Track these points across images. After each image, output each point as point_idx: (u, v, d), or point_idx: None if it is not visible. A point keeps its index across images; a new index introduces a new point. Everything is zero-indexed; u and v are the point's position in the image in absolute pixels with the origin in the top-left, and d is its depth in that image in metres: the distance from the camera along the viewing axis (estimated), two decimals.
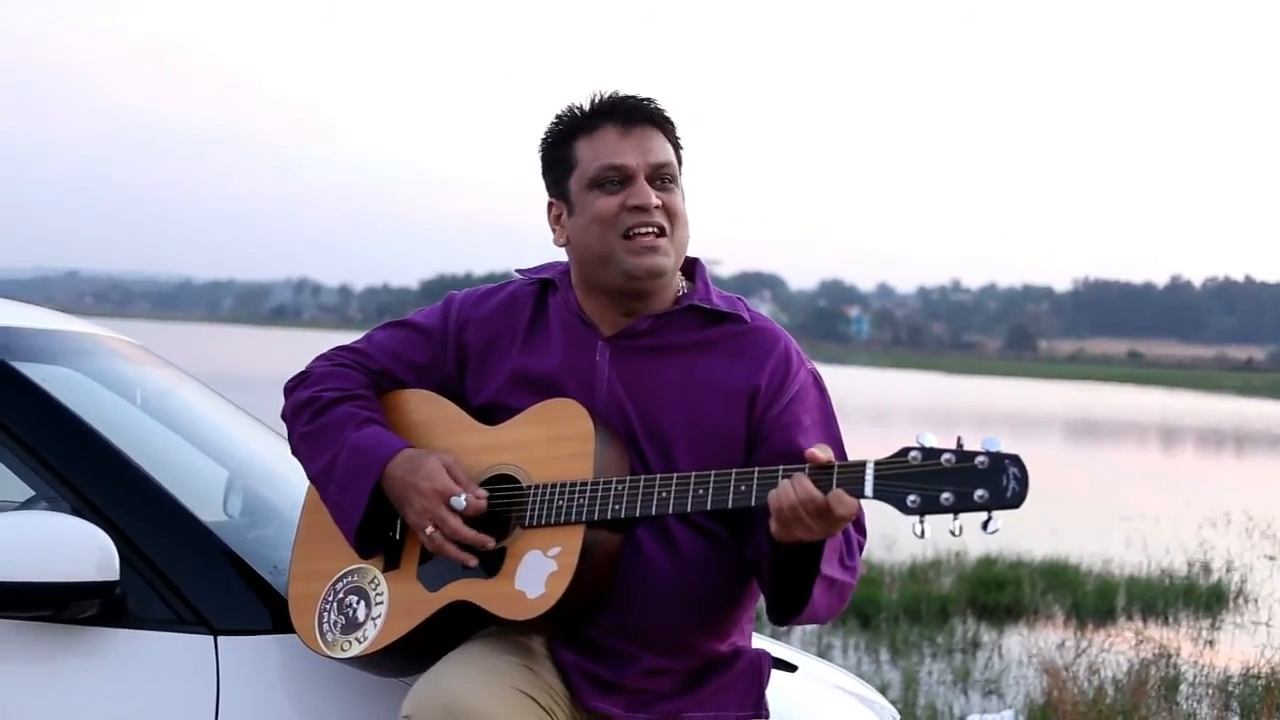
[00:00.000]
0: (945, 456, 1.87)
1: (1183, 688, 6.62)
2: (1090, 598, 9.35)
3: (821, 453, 1.96)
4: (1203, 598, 9.65)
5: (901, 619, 8.53)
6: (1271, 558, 12.12)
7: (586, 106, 2.26)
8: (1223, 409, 47.87)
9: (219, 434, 3.36)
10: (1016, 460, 1.85)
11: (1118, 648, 7.69)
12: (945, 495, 1.86)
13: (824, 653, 7.81)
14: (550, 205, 2.31)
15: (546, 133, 2.30)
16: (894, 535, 11.33)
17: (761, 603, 2.28)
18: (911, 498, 1.88)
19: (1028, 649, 7.84)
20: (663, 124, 2.26)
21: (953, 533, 1.87)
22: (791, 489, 1.94)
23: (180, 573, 2.28)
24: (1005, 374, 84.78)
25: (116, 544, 2.21)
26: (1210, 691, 6.52)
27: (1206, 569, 10.58)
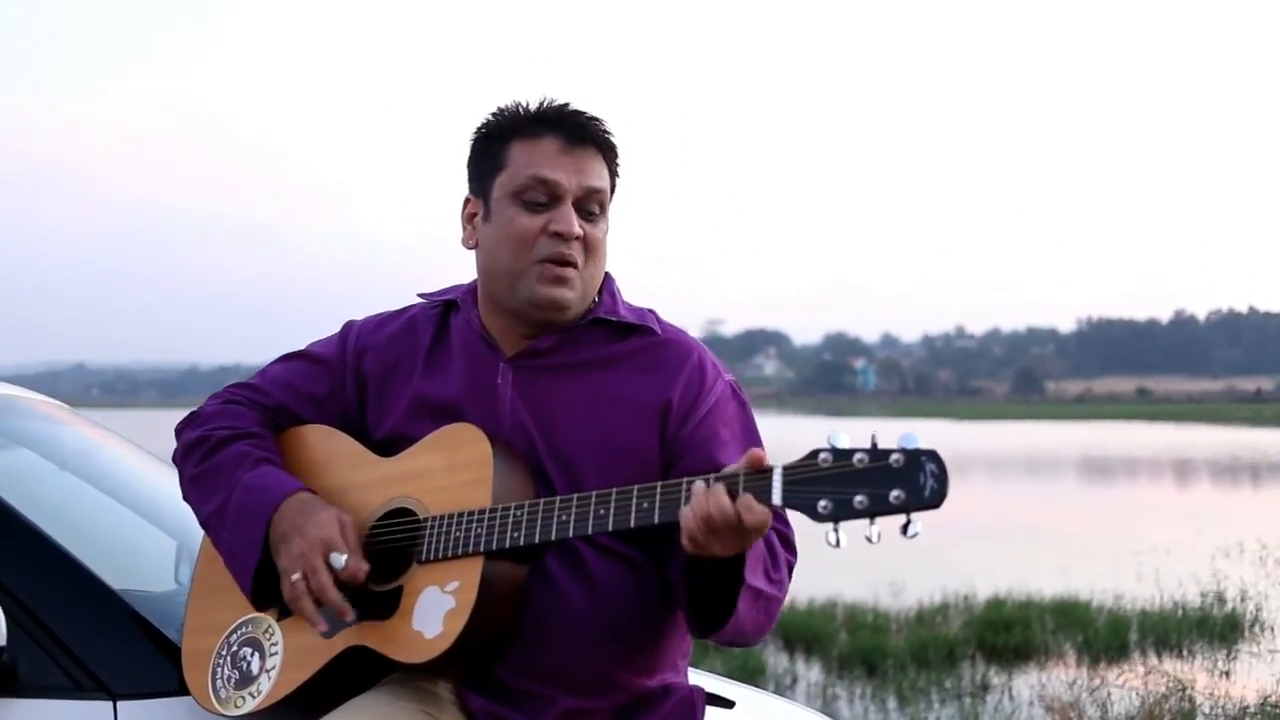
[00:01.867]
0: (858, 457, 1.71)
1: (1198, 719, 6.42)
2: (1102, 634, 9.13)
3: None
4: (1217, 628, 9.42)
5: (908, 665, 8.33)
6: None
7: (532, 109, 2.11)
8: (1234, 440, 47.55)
9: (165, 502, 3.23)
10: (934, 456, 1.68)
11: (1130, 683, 7.49)
12: (859, 498, 1.69)
13: (829, 704, 7.62)
14: (467, 201, 2.16)
15: (484, 124, 2.14)
16: (901, 582, 11.21)
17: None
18: (823, 503, 1.71)
19: (1037, 689, 7.63)
20: (607, 149, 2.11)
21: (869, 539, 1.70)
22: (706, 501, 1.78)
23: (77, 637, 2.12)
24: (1014, 417, 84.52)
25: (5, 607, 2.07)
26: None
27: (1220, 599, 10.35)
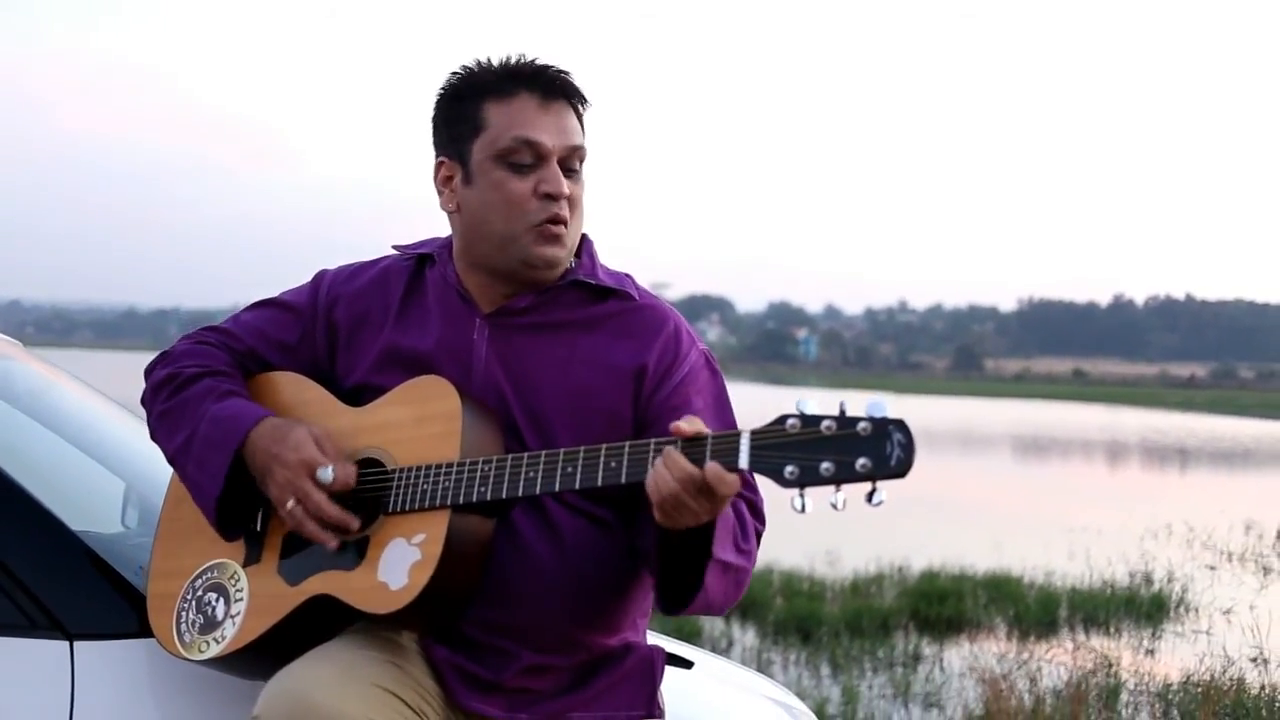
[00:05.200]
0: (825, 423, 1.72)
1: (1123, 696, 6.57)
2: (1032, 609, 9.30)
3: (687, 425, 1.81)
4: (1144, 607, 9.63)
5: (842, 633, 8.44)
6: (1212, 568, 12.17)
7: (497, 65, 2.08)
8: (1166, 425, 48.28)
9: (114, 443, 3.21)
10: (902, 426, 1.70)
11: (1059, 658, 7.63)
12: (825, 465, 1.71)
13: (763, 668, 7.70)
14: (440, 164, 2.13)
15: (450, 84, 2.11)
16: (837, 550, 11.33)
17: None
18: (789, 469, 1.73)
19: (968, 661, 7.76)
20: (580, 102, 2.11)
21: (834, 505, 1.72)
22: (668, 473, 1.79)
23: (34, 575, 2.12)
24: (953, 393, 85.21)
25: None
26: (1150, 699, 6.46)
27: (1148, 579, 10.58)
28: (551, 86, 2.08)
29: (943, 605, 9.20)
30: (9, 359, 3.03)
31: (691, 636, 7.79)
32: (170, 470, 2.29)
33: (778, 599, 9.34)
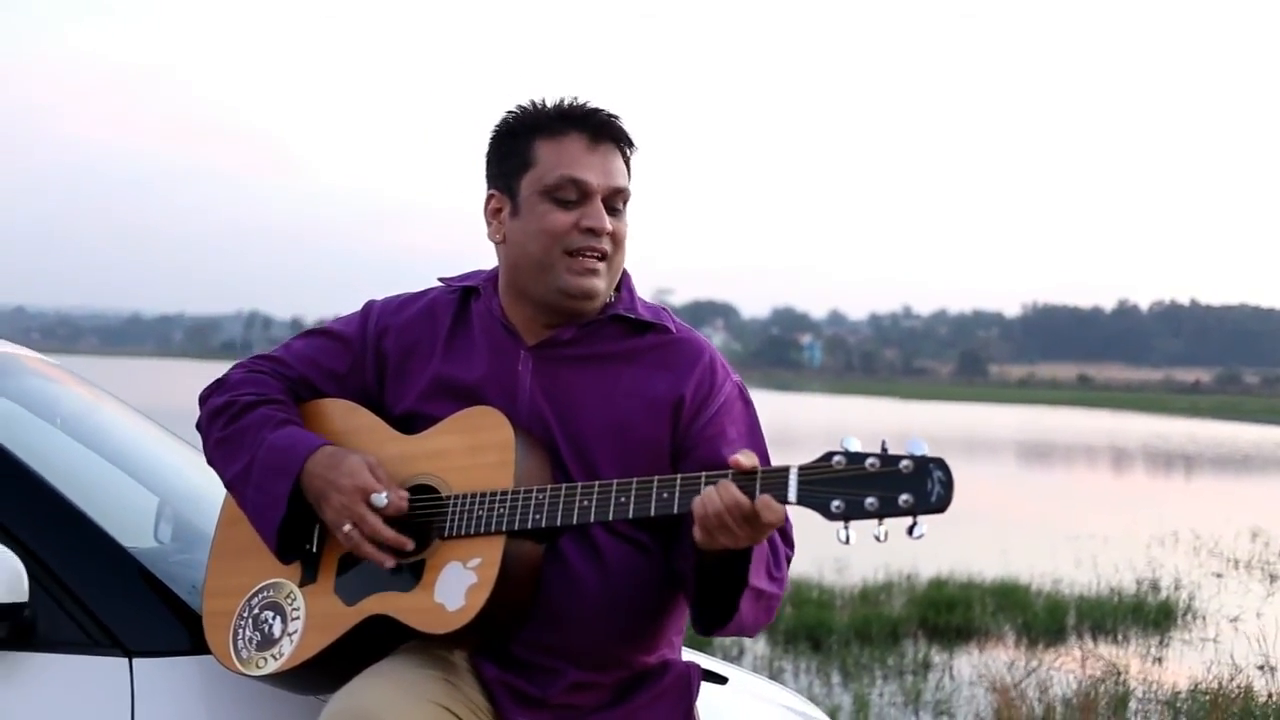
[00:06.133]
0: (869, 461, 1.83)
1: (1132, 704, 6.64)
2: (1040, 617, 9.37)
3: (745, 459, 1.91)
4: (1151, 615, 9.70)
5: (852, 641, 8.52)
6: (1219, 575, 12.24)
7: (551, 106, 2.19)
8: (1171, 430, 48.33)
9: (148, 459, 3.30)
10: (941, 464, 1.82)
11: (1067, 666, 7.70)
12: (870, 500, 1.82)
13: (775, 675, 7.78)
14: (490, 197, 2.23)
15: (505, 121, 2.22)
16: (845, 558, 11.37)
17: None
18: (836, 503, 1.84)
19: (978, 669, 7.83)
20: (627, 145, 2.20)
21: (877, 538, 1.83)
22: (717, 495, 1.89)
23: (93, 594, 2.21)
24: (957, 399, 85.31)
25: (26, 565, 2.15)
26: (1158, 707, 6.53)
27: (1155, 587, 10.65)
28: (601, 129, 2.17)
29: (951, 613, 9.27)
30: (54, 381, 3.12)
31: (703, 645, 7.88)
32: (209, 486, 2.37)
33: (787, 607, 9.40)
